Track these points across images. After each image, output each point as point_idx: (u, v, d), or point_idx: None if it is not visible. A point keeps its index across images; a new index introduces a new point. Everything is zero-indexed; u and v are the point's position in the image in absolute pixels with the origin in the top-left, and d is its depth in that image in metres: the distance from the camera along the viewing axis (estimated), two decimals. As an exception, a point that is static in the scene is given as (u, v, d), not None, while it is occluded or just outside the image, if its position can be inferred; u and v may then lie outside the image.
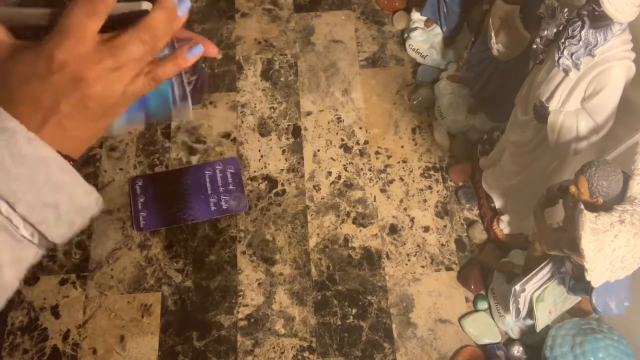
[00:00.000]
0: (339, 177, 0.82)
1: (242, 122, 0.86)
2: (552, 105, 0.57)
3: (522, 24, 0.65)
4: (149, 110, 0.54)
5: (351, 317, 0.74)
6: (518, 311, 0.63)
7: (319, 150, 0.84)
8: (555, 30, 0.55)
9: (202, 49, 0.46)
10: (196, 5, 0.95)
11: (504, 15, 0.66)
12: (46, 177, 0.40)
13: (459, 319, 0.73)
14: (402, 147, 0.84)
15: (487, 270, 0.75)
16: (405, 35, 0.91)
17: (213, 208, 0.79)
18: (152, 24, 0.42)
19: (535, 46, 0.58)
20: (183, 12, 0.43)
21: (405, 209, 0.80)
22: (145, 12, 0.42)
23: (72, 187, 0.42)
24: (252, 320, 0.74)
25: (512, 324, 0.71)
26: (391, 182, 0.82)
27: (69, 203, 0.42)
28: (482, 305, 0.73)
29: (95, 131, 0.44)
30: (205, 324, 0.73)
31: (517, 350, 0.70)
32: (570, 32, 0.52)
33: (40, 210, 0.40)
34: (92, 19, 0.40)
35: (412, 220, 0.79)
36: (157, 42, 0.43)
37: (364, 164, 0.83)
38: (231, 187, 0.80)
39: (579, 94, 0.55)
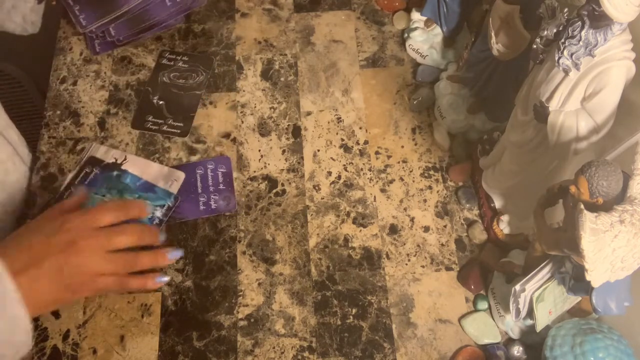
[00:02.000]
0: (339, 177, 0.82)
1: (242, 122, 0.86)
2: (552, 105, 0.57)
3: (522, 24, 0.65)
4: None
5: (351, 317, 0.74)
6: (518, 311, 0.63)
7: (319, 150, 0.84)
8: (555, 30, 0.55)
9: (181, 253, 0.59)
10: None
11: (504, 15, 0.66)
12: (10, 336, 0.45)
13: (459, 319, 0.73)
14: (402, 147, 0.84)
15: (487, 270, 0.75)
16: (405, 35, 0.91)
17: (202, 207, 0.79)
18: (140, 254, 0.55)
19: (535, 46, 0.58)
20: (173, 256, 0.58)
21: (405, 209, 0.80)
22: None
23: (23, 345, 0.47)
24: (252, 320, 0.74)
25: (512, 324, 0.71)
26: (391, 182, 0.82)
27: (13, 355, 0.47)
28: (482, 305, 0.73)
29: (53, 300, 0.50)
30: (205, 324, 0.73)
31: (517, 350, 0.70)
32: (570, 32, 0.52)
33: None
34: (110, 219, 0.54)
35: (412, 220, 0.79)
36: (135, 265, 0.54)
37: (364, 164, 0.83)
38: (221, 186, 0.80)
39: (579, 94, 0.55)
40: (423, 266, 0.77)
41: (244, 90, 0.89)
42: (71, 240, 0.49)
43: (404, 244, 0.78)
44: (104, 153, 0.81)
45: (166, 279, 0.59)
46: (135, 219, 0.55)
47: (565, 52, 0.53)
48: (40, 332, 0.73)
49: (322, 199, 0.81)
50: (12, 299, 0.45)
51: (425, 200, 0.81)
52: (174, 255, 0.58)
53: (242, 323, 0.73)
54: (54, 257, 0.48)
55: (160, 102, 0.86)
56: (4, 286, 0.44)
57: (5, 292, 0.44)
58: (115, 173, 0.79)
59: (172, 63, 0.89)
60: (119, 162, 0.80)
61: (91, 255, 0.50)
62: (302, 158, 0.84)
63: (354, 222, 0.79)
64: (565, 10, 0.53)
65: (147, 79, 0.89)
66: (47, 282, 0.48)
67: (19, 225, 0.76)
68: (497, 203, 0.76)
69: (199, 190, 0.80)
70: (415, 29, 0.89)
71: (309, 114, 0.87)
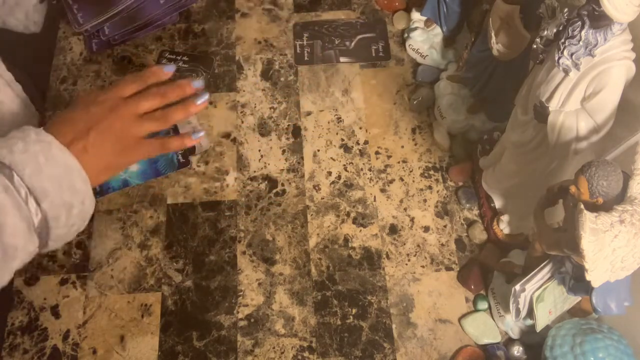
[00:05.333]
0: (339, 177, 0.82)
1: (242, 122, 0.86)
2: (552, 105, 0.57)
3: (522, 24, 0.65)
4: (158, 169, 0.77)
5: (351, 317, 0.74)
6: (518, 311, 0.63)
7: (319, 150, 0.84)
8: (555, 30, 0.55)
9: (202, 83, 0.62)
10: (196, 5, 0.96)
11: (504, 15, 0.66)
12: (70, 181, 0.50)
13: (459, 319, 0.73)
14: (402, 147, 0.84)
15: (487, 270, 0.75)
16: (405, 35, 0.91)
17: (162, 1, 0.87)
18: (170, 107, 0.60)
19: (535, 46, 0.58)
20: (201, 101, 0.60)
21: (405, 209, 0.80)
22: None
23: (85, 195, 0.52)
24: (252, 320, 0.74)
25: (512, 324, 0.71)
26: (391, 182, 0.82)
27: (79, 207, 0.51)
28: (482, 305, 0.73)
29: (105, 165, 0.55)
30: (205, 324, 0.73)
31: (517, 350, 0.70)
32: (570, 32, 0.52)
33: (58, 208, 0.49)
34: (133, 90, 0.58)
35: (412, 220, 0.79)
36: (167, 119, 0.59)
37: (364, 164, 0.83)
38: None
39: (579, 94, 0.55)
40: (423, 266, 0.77)
41: (244, 90, 0.89)
42: (107, 110, 0.55)
43: (404, 244, 0.78)
44: None
45: (202, 133, 0.61)
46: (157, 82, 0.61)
47: (565, 52, 0.53)
48: (40, 332, 0.73)
49: (322, 199, 0.81)
50: (63, 153, 0.50)
51: (425, 200, 0.81)
52: (202, 99, 0.61)
53: (242, 323, 0.73)
54: (96, 126, 0.54)
55: None
56: (57, 150, 0.50)
57: (51, 148, 0.50)
58: None
59: (172, 63, 0.89)
60: None
61: (127, 120, 0.56)
62: (302, 158, 0.84)
63: (354, 222, 0.79)
64: (565, 10, 0.53)
65: (147, 79, 0.89)
66: (96, 150, 0.53)
67: None
68: (497, 203, 0.76)
69: None
70: (415, 29, 0.89)
71: (309, 114, 0.87)
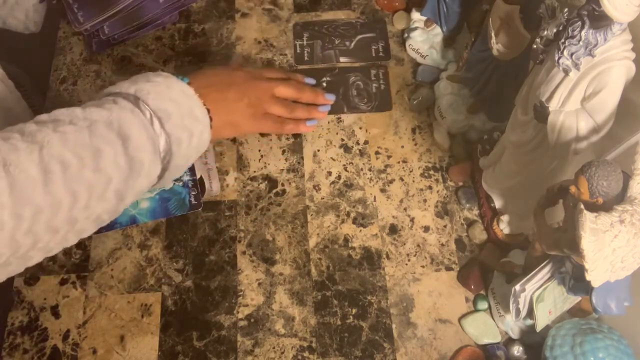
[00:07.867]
0: (339, 177, 0.82)
1: (242, 122, 0.86)
2: (552, 106, 0.57)
3: (522, 24, 0.65)
4: (169, 209, 0.76)
5: (351, 317, 0.74)
6: (518, 311, 0.63)
7: (319, 150, 0.84)
8: (555, 30, 0.55)
9: (333, 98, 0.76)
10: (196, 5, 0.96)
11: (504, 15, 0.66)
12: (189, 108, 0.53)
13: (459, 319, 0.74)
14: (402, 147, 0.84)
15: (487, 270, 0.75)
16: (405, 35, 0.91)
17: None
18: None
19: (535, 46, 0.58)
20: (323, 110, 0.75)
21: (405, 209, 0.80)
22: None
23: (204, 126, 0.55)
24: (252, 320, 0.74)
25: (512, 324, 0.71)
26: (391, 182, 0.82)
27: (198, 136, 0.54)
28: (482, 305, 0.73)
29: (230, 121, 0.61)
30: (205, 324, 0.73)
31: (517, 350, 0.70)
32: (570, 32, 0.52)
33: (180, 130, 0.52)
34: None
35: (412, 220, 0.79)
36: (292, 111, 0.70)
37: (364, 164, 0.83)
38: None
39: (579, 94, 0.55)
40: (423, 266, 0.77)
41: (244, 90, 0.89)
42: (250, 77, 0.63)
43: (404, 244, 0.78)
44: None
45: (316, 122, 0.72)
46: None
47: (565, 52, 0.53)
48: (40, 332, 0.73)
49: (322, 199, 0.81)
50: (182, 84, 0.54)
51: (425, 200, 0.81)
52: (325, 108, 0.72)
53: (242, 323, 0.73)
54: (237, 85, 0.61)
55: None
56: (175, 80, 0.54)
57: (171, 78, 0.54)
58: None
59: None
60: None
61: (263, 92, 0.63)
62: (302, 158, 0.84)
63: (354, 222, 0.79)
64: (565, 10, 0.53)
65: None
66: (230, 104, 0.59)
67: None
68: (497, 203, 0.76)
69: None
70: (415, 29, 0.89)
71: (309, 114, 0.87)
